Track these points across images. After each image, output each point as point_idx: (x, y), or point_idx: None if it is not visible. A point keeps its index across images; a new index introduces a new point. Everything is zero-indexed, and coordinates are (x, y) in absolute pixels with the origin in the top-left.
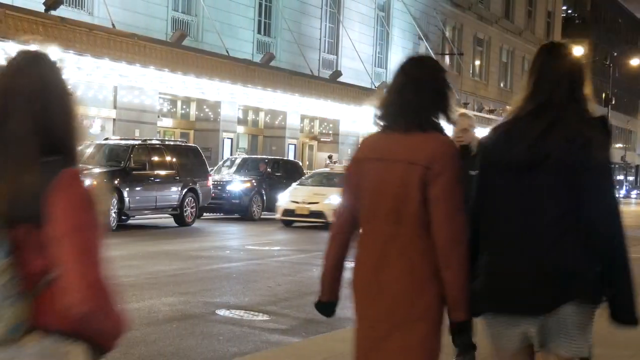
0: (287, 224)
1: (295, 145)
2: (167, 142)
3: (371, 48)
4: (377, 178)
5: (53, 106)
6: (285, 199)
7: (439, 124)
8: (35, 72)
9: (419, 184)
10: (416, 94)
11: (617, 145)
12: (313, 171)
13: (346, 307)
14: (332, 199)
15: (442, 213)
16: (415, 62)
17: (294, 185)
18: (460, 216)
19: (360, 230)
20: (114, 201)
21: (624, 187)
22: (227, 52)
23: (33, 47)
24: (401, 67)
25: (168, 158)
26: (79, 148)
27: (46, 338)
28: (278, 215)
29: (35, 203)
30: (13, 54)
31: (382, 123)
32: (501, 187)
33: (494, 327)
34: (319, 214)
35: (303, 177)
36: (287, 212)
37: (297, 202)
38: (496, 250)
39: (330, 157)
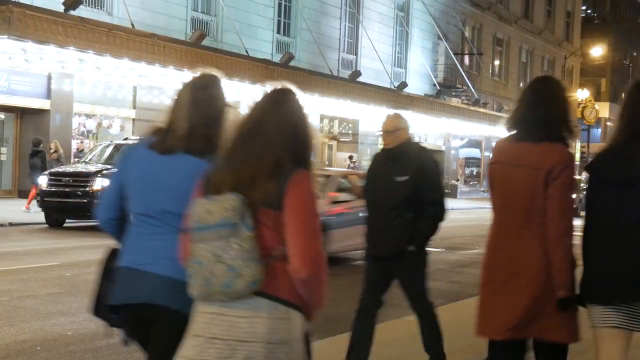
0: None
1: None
2: None
3: (390, 48)
4: (508, 179)
5: (297, 131)
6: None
7: (562, 135)
8: (284, 107)
9: (543, 185)
10: (546, 110)
11: None
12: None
13: None
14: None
15: (554, 210)
16: (543, 82)
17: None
18: (569, 214)
19: (492, 220)
20: None
21: None
22: (247, 52)
23: (281, 85)
24: (530, 86)
25: None
26: (312, 158)
27: (275, 302)
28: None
29: (277, 194)
30: (267, 90)
31: (513, 133)
32: (605, 200)
33: (600, 314)
34: None
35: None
36: None
37: None
38: (600, 249)
39: (350, 157)
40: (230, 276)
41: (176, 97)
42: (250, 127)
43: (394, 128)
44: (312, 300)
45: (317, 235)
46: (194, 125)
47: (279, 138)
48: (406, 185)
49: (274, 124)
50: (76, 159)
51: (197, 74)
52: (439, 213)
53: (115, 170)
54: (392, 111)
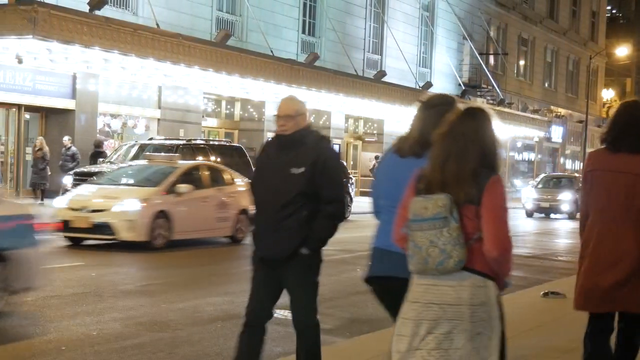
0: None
1: (339, 145)
2: (211, 142)
3: (415, 48)
4: (608, 183)
5: (488, 143)
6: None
7: None
8: (478, 123)
9: None
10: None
11: None
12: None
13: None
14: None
15: None
16: (635, 105)
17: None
18: None
19: (591, 218)
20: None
21: None
22: (272, 52)
23: (476, 105)
24: (624, 108)
25: (212, 158)
26: (500, 165)
27: (475, 274)
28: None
29: (476, 194)
30: (461, 107)
31: (610, 145)
32: None
33: None
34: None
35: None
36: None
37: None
38: None
39: (376, 158)
40: (442, 257)
41: (415, 114)
42: (451, 140)
43: (295, 112)
44: (501, 272)
45: (505, 225)
46: (422, 134)
47: (475, 148)
48: (302, 178)
49: (470, 137)
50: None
51: (428, 94)
52: (338, 212)
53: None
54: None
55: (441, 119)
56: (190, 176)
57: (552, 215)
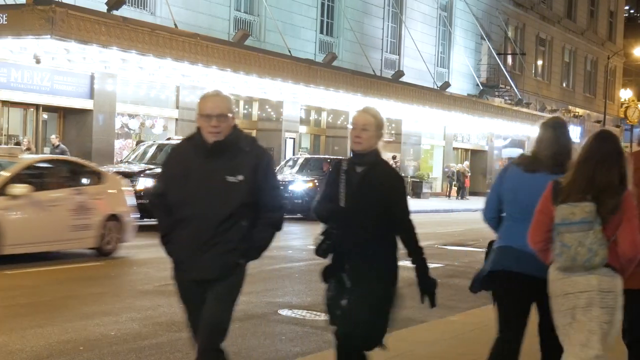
0: None
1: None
2: None
3: (433, 48)
4: None
5: (620, 161)
6: None
7: None
8: (613, 145)
9: None
10: None
11: None
12: None
13: (407, 307)
14: None
15: None
16: None
17: None
18: None
19: None
20: None
21: None
22: (290, 51)
23: (608, 129)
24: None
25: None
26: (629, 184)
27: (611, 269)
28: None
29: (615, 205)
30: (595, 130)
31: None
32: None
33: None
34: None
35: None
36: None
37: None
38: None
39: (394, 158)
40: (589, 255)
41: (540, 134)
42: (597, 160)
43: (229, 111)
44: (627, 270)
45: (638, 230)
46: (554, 154)
47: (616, 167)
48: (243, 186)
49: (613, 157)
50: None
51: (552, 115)
52: (280, 221)
53: (493, 185)
54: (435, 112)
55: (568, 140)
56: (36, 174)
57: None
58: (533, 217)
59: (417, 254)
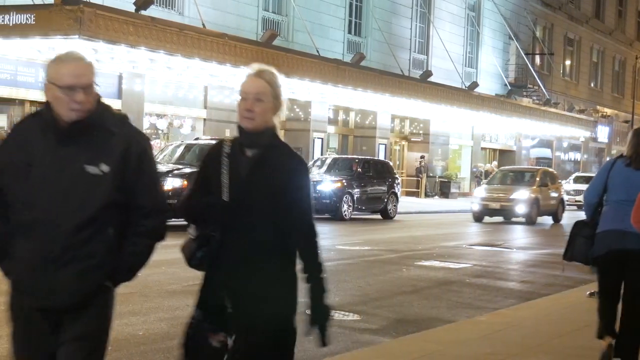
0: None
1: (385, 145)
2: None
3: (461, 48)
4: None
5: None
6: None
7: None
8: None
9: None
10: None
11: None
12: None
13: (435, 307)
14: None
15: None
16: None
17: None
18: None
19: None
20: None
21: None
22: (318, 52)
23: None
24: None
25: None
26: None
27: None
28: None
29: None
30: None
31: None
32: None
33: None
34: None
35: None
36: None
37: None
38: None
39: (422, 157)
40: None
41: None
42: None
43: (88, 81)
44: None
45: None
46: None
47: None
48: (108, 181)
49: None
50: None
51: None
52: (160, 229)
53: (599, 174)
54: (463, 112)
55: None
56: None
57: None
58: (635, 203)
59: (314, 270)
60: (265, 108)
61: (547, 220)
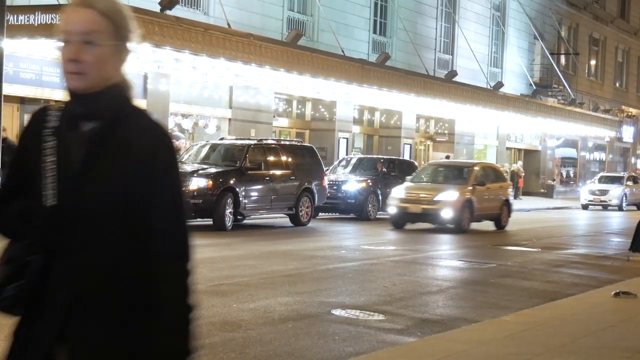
0: None
1: (410, 145)
2: (282, 142)
3: (487, 48)
4: None
5: None
6: None
7: None
8: None
9: None
10: None
11: None
12: None
13: (460, 307)
14: None
15: None
16: None
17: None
18: None
19: None
20: (229, 201)
21: None
22: (343, 51)
23: None
24: None
25: (283, 158)
26: None
27: None
28: None
29: None
30: None
31: None
32: None
33: None
34: None
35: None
36: None
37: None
38: None
39: (447, 157)
40: None
41: None
42: None
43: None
44: None
45: None
46: None
47: None
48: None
49: None
50: None
51: None
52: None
53: None
54: (488, 112)
55: None
56: None
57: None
58: None
59: (168, 320)
60: (102, 55)
61: (488, 226)
